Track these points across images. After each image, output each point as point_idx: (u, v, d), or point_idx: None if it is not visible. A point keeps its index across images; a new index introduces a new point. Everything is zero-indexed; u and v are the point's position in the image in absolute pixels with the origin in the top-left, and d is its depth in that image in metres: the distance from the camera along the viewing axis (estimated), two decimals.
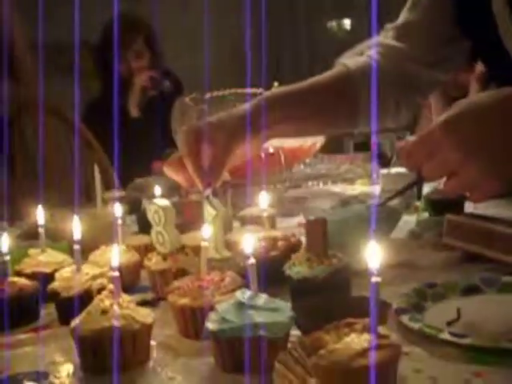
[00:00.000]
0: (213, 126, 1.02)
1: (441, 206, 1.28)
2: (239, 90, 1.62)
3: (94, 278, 0.93)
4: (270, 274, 0.86)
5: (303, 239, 0.99)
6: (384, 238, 1.10)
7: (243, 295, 0.75)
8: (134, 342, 0.76)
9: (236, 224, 1.28)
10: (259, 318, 0.72)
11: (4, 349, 0.85)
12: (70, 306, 0.86)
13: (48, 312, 0.95)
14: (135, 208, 1.48)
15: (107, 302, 0.77)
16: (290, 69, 4.70)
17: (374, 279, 0.62)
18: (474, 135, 0.78)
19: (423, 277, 0.97)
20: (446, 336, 0.74)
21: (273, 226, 1.22)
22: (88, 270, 0.94)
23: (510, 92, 0.80)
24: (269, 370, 0.66)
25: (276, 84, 1.64)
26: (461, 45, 1.16)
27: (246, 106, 1.05)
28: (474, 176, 0.79)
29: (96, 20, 2.87)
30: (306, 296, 0.87)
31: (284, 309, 0.75)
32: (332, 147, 2.12)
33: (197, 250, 0.91)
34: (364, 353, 0.60)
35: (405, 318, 0.79)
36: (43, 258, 1.05)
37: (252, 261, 0.75)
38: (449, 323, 0.79)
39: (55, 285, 0.93)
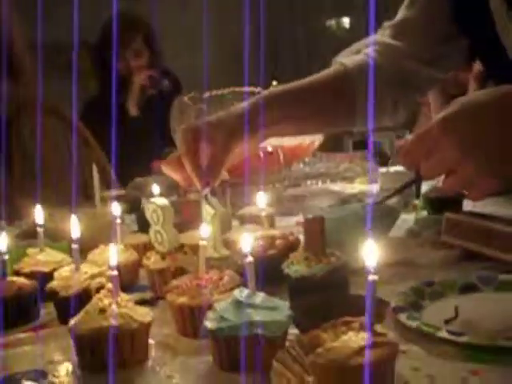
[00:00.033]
0: (211, 125, 1.02)
1: (439, 204, 1.28)
2: (238, 89, 1.62)
3: (93, 277, 0.93)
4: (269, 272, 0.86)
5: (302, 238, 0.99)
6: (382, 236, 1.10)
7: (241, 294, 0.75)
8: (133, 340, 0.76)
9: (235, 223, 1.28)
10: (257, 316, 0.72)
11: (3, 348, 0.85)
12: (68, 305, 0.86)
13: (47, 311, 0.95)
14: (135, 207, 1.48)
15: (105, 301, 0.78)
16: (288, 67, 4.70)
17: (371, 277, 0.62)
18: (471, 133, 0.78)
19: (421, 275, 0.97)
20: (443, 334, 0.74)
21: (272, 224, 1.22)
22: (87, 269, 0.94)
23: (508, 90, 0.80)
24: (267, 368, 0.66)
25: (275, 83, 1.64)
26: (458, 43, 1.16)
27: (244, 105, 1.05)
28: (472, 174, 0.79)
29: (95, 20, 2.87)
30: (304, 295, 0.87)
31: (282, 307, 0.75)
32: (331, 146, 2.12)
33: (195, 248, 0.91)
34: (361, 351, 0.60)
35: (402, 317, 0.79)
36: (42, 258, 1.05)
37: (250, 259, 0.75)
38: (446, 321, 0.79)
39: (54, 284, 0.93)
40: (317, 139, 1.65)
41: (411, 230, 1.23)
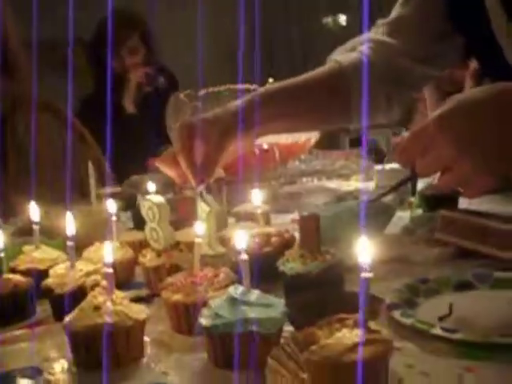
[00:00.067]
0: (206, 122, 1.02)
1: (435, 201, 1.28)
2: (233, 86, 1.62)
3: (88, 274, 0.93)
4: (264, 270, 0.86)
5: (297, 235, 0.99)
6: (377, 233, 1.10)
7: (236, 291, 0.75)
8: (128, 338, 0.76)
9: (231, 220, 1.28)
10: (252, 313, 0.72)
11: None
12: (64, 302, 0.86)
13: (42, 308, 0.95)
14: (130, 204, 1.48)
15: (100, 299, 0.78)
16: (284, 67, 4.69)
17: (364, 275, 0.62)
18: (467, 130, 0.78)
19: (416, 272, 0.97)
20: (437, 331, 0.74)
21: (267, 222, 1.22)
22: (82, 266, 0.94)
23: (504, 87, 0.80)
24: (262, 365, 0.66)
25: (271, 80, 1.64)
26: (453, 41, 1.16)
27: (239, 103, 1.05)
28: (468, 171, 0.79)
29: (90, 17, 2.86)
30: (299, 292, 0.87)
31: (277, 304, 0.75)
32: (327, 143, 2.12)
33: (191, 246, 0.91)
34: (355, 348, 0.60)
35: (397, 314, 0.80)
36: (37, 255, 1.05)
37: (244, 256, 0.75)
38: (441, 318, 0.80)
39: (49, 281, 0.93)
40: (313, 137, 1.65)
41: (406, 227, 1.23)
